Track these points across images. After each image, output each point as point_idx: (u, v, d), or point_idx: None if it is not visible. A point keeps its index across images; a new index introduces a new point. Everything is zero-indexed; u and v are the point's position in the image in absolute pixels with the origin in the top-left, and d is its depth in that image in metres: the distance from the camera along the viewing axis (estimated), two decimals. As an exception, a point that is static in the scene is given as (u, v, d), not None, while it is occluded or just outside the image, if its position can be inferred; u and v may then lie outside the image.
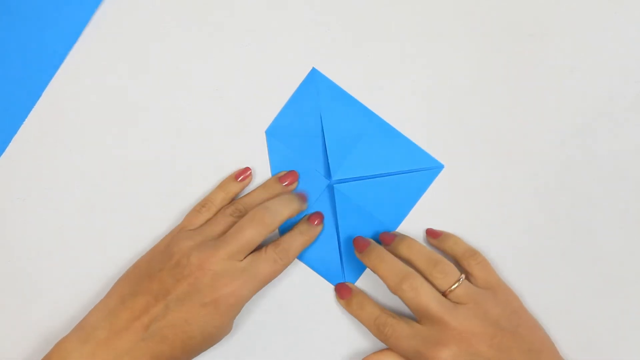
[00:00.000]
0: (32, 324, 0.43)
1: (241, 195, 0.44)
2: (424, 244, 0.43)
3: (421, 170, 0.44)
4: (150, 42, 0.46)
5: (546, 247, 0.44)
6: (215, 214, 0.42)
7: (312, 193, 0.44)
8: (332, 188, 0.44)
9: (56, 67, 0.45)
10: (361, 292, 0.43)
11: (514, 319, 0.39)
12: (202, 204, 0.43)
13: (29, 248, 0.44)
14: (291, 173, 0.44)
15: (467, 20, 0.45)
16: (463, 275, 0.40)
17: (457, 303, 0.39)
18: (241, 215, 0.41)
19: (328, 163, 0.44)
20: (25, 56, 0.45)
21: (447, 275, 0.40)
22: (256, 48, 0.45)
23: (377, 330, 0.40)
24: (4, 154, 0.45)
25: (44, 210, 0.44)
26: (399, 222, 0.44)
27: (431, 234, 0.43)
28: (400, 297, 0.39)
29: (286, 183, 0.43)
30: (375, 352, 0.41)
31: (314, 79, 0.45)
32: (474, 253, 0.42)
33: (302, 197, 0.43)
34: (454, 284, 0.39)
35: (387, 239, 0.42)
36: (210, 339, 0.39)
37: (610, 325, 0.43)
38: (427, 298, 0.38)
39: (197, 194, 0.44)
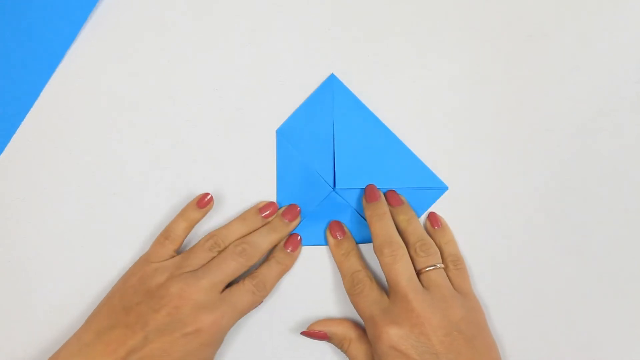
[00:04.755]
0: (32, 323, 0.43)
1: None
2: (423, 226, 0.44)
3: (425, 189, 0.44)
4: (149, 41, 0.46)
5: (546, 246, 0.44)
6: (193, 247, 0.41)
7: (314, 198, 0.44)
8: (334, 193, 0.44)
9: (54, 67, 0.45)
10: (353, 240, 0.43)
11: (474, 329, 0.39)
12: (165, 236, 0.42)
13: (29, 248, 0.44)
14: (271, 204, 0.43)
15: (466, 21, 0.46)
16: (441, 266, 0.41)
17: (427, 289, 0.39)
18: (220, 250, 0.41)
19: (334, 170, 0.44)
20: (24, 55, 0.45)
21: (429, 256, 0.41)
22: (258, 48, 0.46)
23: (350, 283, 0.41)
24: (2, 154, 0.44)
25: (43, 210, 0.44)
26: None
27: (432, 220, 0.44)
28: (379, 260, 0.40)
29: (266, 214, 0.43)
30: (327, 319, 0.42)
31: (332, 85, 0.45)
32: (457, 258, 0.42)
33: (291, 217, 0.43)
34: (430, 266, 0.40)
35: (393, 202, 0.43)
36: None
37: (610, 325, 0.43)
38: (401, 270, 0.39)
39: (197, 193, 0.44)
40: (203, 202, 0.43)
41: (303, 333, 0.41)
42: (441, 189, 0.44)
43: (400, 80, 0.45)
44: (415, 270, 0.40)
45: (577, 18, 0.45)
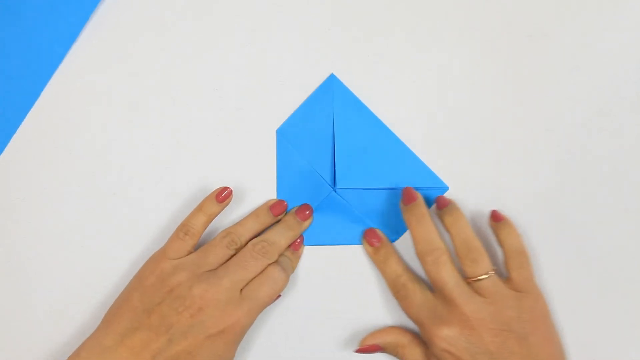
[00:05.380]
0: (32, 323, 0.43)
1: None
2: (469, 225, 0.41)
3: (425, 189, 0.44)
4: (149, 41, 0.46)
5: (546, 246, 0.44)
6: (210, 245, 0.41)
7: (314, 198, 0.44)
8: (334, 193, 0.44)
9: (55, 67, 0.45)
10: (390, 245, 0.43)
11: (528, 327, 0.38)
12: (185, 231, 0.41)
13: (29, 248, 0.44)
14: (280, 202, 0.43)
15: (466, 21, 0.46)
16: (492, 271, 0.39)
17: (477, 293, 0.39)
18: (237, 247, 0.41)
19: (334, 170, 0.44)
20: (24, 56, 0.45)
21: (477, 265, 0.39)
22: (258, 48, 0.46)
23: (394, 289, 0.41)
24: (2, 154, 0.44)
25: (43, 210, 0.44)
26: (397, 236, 0.44)
27: (494, 216, 0.43)
28: (422, 266, 0.40)
29: (275, 212, 0.43)
30: (376, 331, 0.42)
31: (332, 85, 0.45)
32: (520, 253, 0.41)
33: (303, 217, 0.43)
34: (480, 276, 0.39)
35: (440, 203, 0.42)
36: None
37: (610, 325, 0.43)
38: (447, 278, 0.39)
39: (197, 193, 0.44)
40: (221, 197, 0.42)
41: (357, 351, 0.41)
42: (441, 189, 0.44)
43: (400, 80, 0.45)
44: (464, 277, 0.40)
45: (577, 18, 0.45)
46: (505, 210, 0.44)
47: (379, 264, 0.43)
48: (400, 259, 0.43)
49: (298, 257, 0.43)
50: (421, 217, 0.41)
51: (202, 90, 0.45)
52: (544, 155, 0.44)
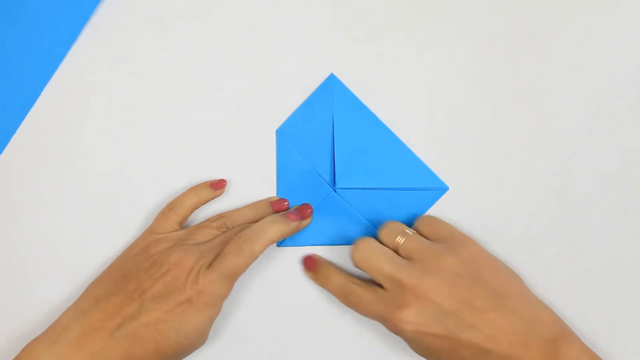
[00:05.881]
0: (30, 324, 0.43)
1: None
2: None
3: (425, 189, 0.44)
4: (149, 41, 0.46)
5: (546, 246, 0.44)
6: (200, 224, 0.42)
7: (314, 198, 0.44)
8: (334, 193, 0.44)
9: (55, 67, 0.45)
10: (327, 263, 0.43)
11: (472, 265, 0.38)
12: (170, 207, 0.42)
13: (29, 248, 0.44)
14: (282, 201, 0.44)
15: (466, 21, 0.46)
16: (409, 230, 0.40)
17: (411, 259, 0.39)
18: (226, 231, 0.41)
19: (334, 170, 0.44)
20: (24, 56, 0.45)
21: (391, 231, 0.40)
22: (258, 48, 0.46)
23: (344, 299, 0.41)
24: (2, 154, 0.44)
25: (43, 210, 0.44)
26: None
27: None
28: (361, 268, 0.40)
29: (275, 210, 0.43)
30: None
31: (331, 85, 0.45)
32: (423, 217, 0.42)
33: (302, 216, 0.42)
34: (397, 237, 0.40)
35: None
36: (186, 341, 0.38)
37: (610, 325, 0.43)
38: (378, 258, 0.39)
39: (197, 193, 0.44)
40: (217, 185, 0.43)
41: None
42: (441, 189, 0.44)
43: (400, 80, 0.45)
44: (392, 249, 0.40)
45: (577, 18, 0.46)
46: (505, 210, 0.44)
47: (323, 284, 0.42)
48: (341, 271, 0.42)
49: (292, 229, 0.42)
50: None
51: (202, 90, 0.45)
52: (544, 155, 0.44)
